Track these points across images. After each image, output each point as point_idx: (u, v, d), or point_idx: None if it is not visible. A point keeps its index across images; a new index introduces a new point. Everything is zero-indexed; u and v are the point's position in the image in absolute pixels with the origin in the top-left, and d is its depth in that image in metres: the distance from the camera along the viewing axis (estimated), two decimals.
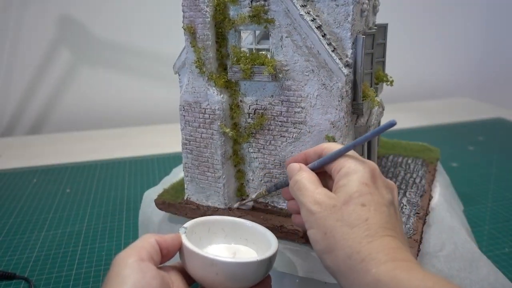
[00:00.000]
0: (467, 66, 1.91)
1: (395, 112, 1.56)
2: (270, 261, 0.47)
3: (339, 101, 0.52)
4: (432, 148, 0.81)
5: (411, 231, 0.54)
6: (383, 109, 0.67)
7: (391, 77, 0.67)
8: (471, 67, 1.91)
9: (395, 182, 0.67)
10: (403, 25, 1.70)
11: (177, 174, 0.80)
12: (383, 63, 0.68)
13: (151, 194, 0.75)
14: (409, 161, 0.75)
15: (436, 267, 0.56)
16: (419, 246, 0.52)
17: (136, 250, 0.43)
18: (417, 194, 0.63)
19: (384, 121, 0.72)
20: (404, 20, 1.71)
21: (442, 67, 1.87)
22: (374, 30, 0.58)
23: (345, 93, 0.52)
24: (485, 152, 1.18)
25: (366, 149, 0.63)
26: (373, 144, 0.68)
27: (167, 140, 1.31)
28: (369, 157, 0.67)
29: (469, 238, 0.62)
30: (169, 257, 0.47)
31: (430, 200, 0.64)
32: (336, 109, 0.52)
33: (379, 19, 0.67)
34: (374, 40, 0.59)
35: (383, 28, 0.66)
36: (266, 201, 0.62)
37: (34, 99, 1.49)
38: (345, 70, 0.51)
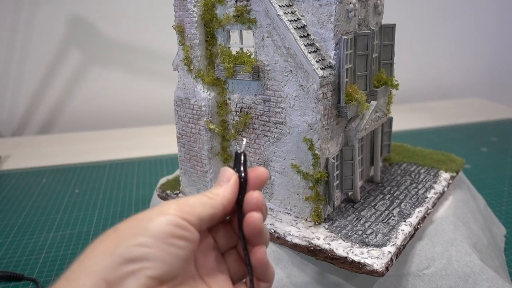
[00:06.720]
0: (480, 66, 1.83)
1: (406, 113, 1.47)
2: None
3: (315, 103, 0.51)
4: (455, 159, 0.75)
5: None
6: (385, 114, 0.64)
7: (396, 80, 0.63)
8: (484, 67, 1.84)
9: (396, 191, 0.64)
10: (415, 25, 1.66)
11: None
12: (391, 65, 0.65)
13: None
14: (422, 171, 0.70)
15: None
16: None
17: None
18: (413, 206, 0.60)
19: (393, 122, 0.68)
20: (416, 20, 1.66)
21: (454, 67, 1.81)
22: (369, 31, 0.56)
23: (321, 95, 0.51)
24: (498, 154, 1.13)
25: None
26: (376, 149, 0.66)
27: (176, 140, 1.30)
28: (372, 162, 0.65)
29: (470, 250, 0.57)
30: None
31: (428, 212, 0.59)
32: (313, 111, 0.52)
33: (389, 20, 0.64)
34: (370, 41, 0.56)
35: (390, 28, 0.63)
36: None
37: (44, 99, 1.47)
38: (320, 72, 0.50)
